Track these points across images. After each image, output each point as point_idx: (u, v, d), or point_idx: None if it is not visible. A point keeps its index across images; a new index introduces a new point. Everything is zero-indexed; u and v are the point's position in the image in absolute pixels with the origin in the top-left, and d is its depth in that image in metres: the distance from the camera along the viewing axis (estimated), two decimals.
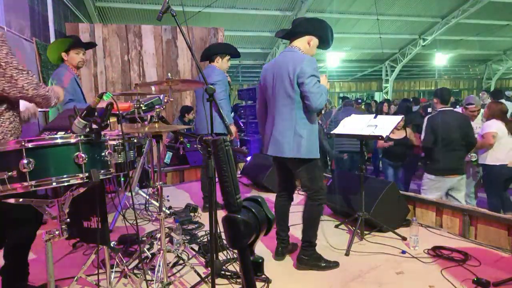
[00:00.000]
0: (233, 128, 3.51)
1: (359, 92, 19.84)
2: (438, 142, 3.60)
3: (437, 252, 2.66)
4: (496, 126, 3.84)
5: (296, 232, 2.87)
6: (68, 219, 1.64)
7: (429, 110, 5.94)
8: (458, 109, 4.62)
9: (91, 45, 3.51)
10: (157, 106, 2.13)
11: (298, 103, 2.34)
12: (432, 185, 3.68)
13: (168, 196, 4.06)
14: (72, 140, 1.47)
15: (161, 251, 2.04)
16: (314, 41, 2.45)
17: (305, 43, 2.43)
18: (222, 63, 3.61)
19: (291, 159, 2.40)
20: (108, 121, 1.55)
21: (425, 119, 3.90)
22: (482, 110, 4.35)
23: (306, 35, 2.42)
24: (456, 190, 3.65)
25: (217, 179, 0.85)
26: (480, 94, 7.84)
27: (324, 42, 2.49)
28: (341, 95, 18.71)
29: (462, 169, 3.66)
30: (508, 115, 4.42)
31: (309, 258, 2.45)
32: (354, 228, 2.92)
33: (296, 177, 2.56)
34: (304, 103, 2.32)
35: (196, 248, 2.77)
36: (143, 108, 2.10)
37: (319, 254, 2.50)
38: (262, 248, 2.80)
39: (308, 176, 2.43)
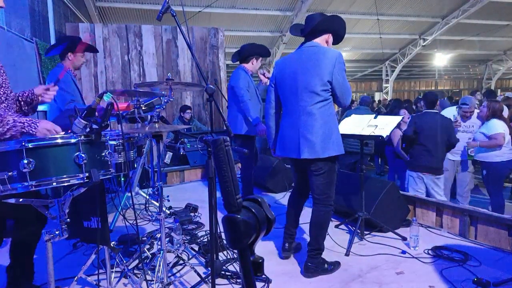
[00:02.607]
0: None
1: (359, 92, 19.83)
2: (421, 140, 3.71)
3: (437, 252, 2.66)
4: (503, 126, 3.87)
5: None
6: (68, 219, 1.64)
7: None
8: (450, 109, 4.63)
9: (96, 50, 3.35)
10: (157, 106, 2.12)
11: (327, 100, 2.28)
12: (415, 181, 3.83)
13: (168, 196, 4.05)
14: (72, 140, 1.47)
15: (161, 251, 2.04)
16: (331, 39, 2.40)
17: (323, 41, 2.36)
18: (256, 65, 3.69)
19: (320, 159, 2.27)
20: (108, 121, 1.55)
21: (410, 116, 4.02)
22: (476, 111, 4.35)
23: (325, 33, 2.35)
24: (436, 186, 3.75)
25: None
26: (475, 95, 7.81)
27: (338, 38, 2.46)
28: None
29: (441, 170, 3.78)
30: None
31: (317, 266, 2.39)
32: (354, 228, 2.92)
33: (313, 181, 2.37)
34: (334, 99, 2.31)
35: (196, 248, 2.77)
36: (143, 108, 2.10)
37: (323, 258, 2.46)
38: (262, 248, 2.80)
39: (326, 180, 2.33)
